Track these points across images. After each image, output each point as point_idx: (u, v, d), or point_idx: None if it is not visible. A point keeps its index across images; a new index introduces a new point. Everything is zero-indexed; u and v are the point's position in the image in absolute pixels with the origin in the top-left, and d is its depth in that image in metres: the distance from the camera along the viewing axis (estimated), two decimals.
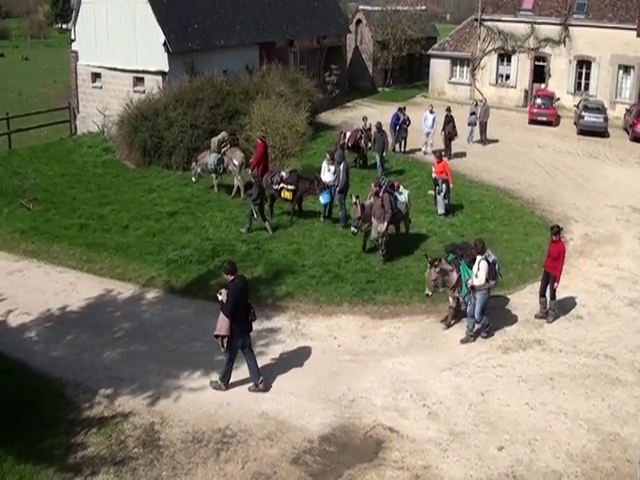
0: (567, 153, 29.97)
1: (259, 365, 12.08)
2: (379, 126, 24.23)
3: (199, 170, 22.28)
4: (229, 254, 17.28)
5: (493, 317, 14.73)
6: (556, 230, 14.59)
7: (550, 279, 14.63)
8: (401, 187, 17.96)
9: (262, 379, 11.91)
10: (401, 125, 27.13)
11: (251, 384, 11.99)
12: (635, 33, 35.88)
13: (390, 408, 11.59)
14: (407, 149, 28.18)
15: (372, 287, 15.84)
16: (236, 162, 21.83)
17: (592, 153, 30.12)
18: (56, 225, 19.31)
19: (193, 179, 22.61)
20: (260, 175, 19.87)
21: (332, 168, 20.00)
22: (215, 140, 22.12)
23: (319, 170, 20.54)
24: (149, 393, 11.81)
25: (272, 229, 18.92)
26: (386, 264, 16.99)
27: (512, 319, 14.80)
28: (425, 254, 14.90)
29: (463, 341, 13.72)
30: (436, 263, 13.42)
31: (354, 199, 17.09)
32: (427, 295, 13.78)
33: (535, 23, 39.06)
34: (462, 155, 28.33)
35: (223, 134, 22.43)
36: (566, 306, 15.49)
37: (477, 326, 13.85)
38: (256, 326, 14.05)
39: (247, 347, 11.87)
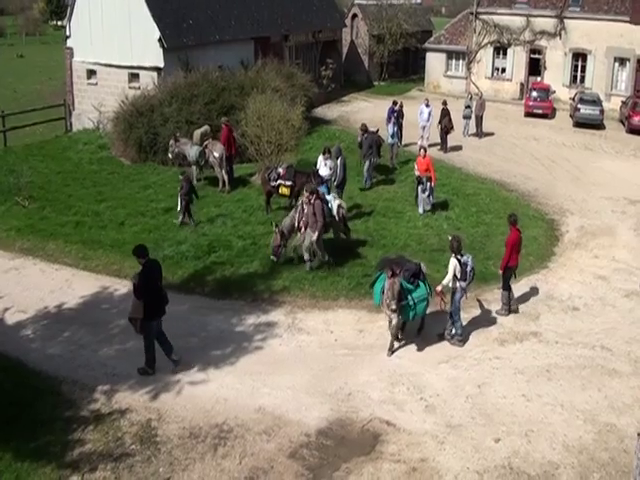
0: (563, 145, 29.98)
1: (258, 360, 12.09)
2: (364, 128, 23.10)
3: (176, 150, 22.72)
4: (225, 250, 17.30)
5: (489, 310, 14.79)
6: (513, 219, 14.65)
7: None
8: (329, 196, 17.35)
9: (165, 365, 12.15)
10: (397, 118, 26.98)
11: (143, 366, 12.18)
12: (630, 25, 35.83)
13: (387, 401, 11.60)
14: (403, 143, 28.12)
15: (368, 281, 15.72)
16: (216, 154, 22.11)
17: (588, 145, 30.14)
18: (52, 222, 19.29)
19: (169, 156, 23.12)
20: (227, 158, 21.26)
21: (328, 162, 19.99)
22: (198, 133, 22.53)
23: (315, 164, 20.53)
24: (146, 389, 11.82)
25: (195, 224, 18.96)
26: (318, 271, 16.27)
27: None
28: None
29: (439, 335, 13.54)
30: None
31: (274, 227, 16.46)
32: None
33: (530, 16, 39.01)
34: (458, 148, 28.34)
35: (206, 127, 22.84)
36: (562, 298, 15.52)
37: (453, 330, 13.53)
38: (252, 321, 14.21)
39: (159, 331, 12.10)
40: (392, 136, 25.10)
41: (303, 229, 16.12)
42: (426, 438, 10.70)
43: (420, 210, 20.33)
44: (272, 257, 16.51)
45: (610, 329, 14.17)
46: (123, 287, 15.68)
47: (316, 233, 15.82)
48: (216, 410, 11.31)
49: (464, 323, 13.73)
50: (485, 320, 14.43)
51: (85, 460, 10.13)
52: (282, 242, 16.45)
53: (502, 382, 12.19)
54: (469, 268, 13.28)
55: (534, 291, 15.82)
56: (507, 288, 14.64)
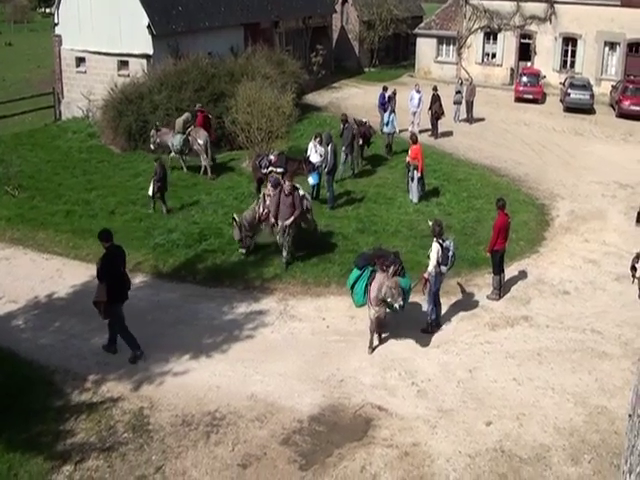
0: (553, 130, 30.01)
1: (250, 348, 12.08)
2: (344, 118, 22.38)
3: (158, 140, 22.80)
4: (216, 237, 17.26)
5: (480, 295, 14.82)
6: (501, 204, 14.66)
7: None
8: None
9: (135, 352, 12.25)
10: (389, 104, 26.65)
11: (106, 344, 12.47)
12: (620, 9, 35.79)
13: (379, 387, 11.64)
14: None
15: None
16: (200, 142, 22.16)
17: (578, 130, 30.16)
18: (42, 212, 19.20)
19: (152, 147, 23.07)
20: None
21: (319, 149, 19.96)
22: (180, 121, 22.44)
23: (306, 151, 20.49)
24: (137, 377, 11.81)
25: (167, 211, 18.99)
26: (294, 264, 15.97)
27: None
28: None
29: (423, 330, 13.35)
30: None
31: (234, 218, 16.25)
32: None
33: (521, 1, 38.93)
34: (449, 134, 28.32)
35: (187, 115, 22.75)
36: (553, 282, 15.58)
37: (434, 315, 13.37)
38: (244, 308, 14.20)
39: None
40: (387, 124, 24.66)
41: (273, 221, 15.78)
42: (418, 423, 10.74)
43: (410, 197, 20.26)
44: (240, 250, 16.38)
45: (601, 312, 14.24)
46: None
47: (290, 219, 15.55)
48: (208, 398, 11.31)
49: (454, 308, 13.78)
50: (476, 305, 14.46)
51: (77, 449, 10.12)
52: (245, 234, 16.24)
53: (493, 366, 12.24)
54: (450, 253, 13.24)
55: (525, 275, 15.87)
56: (498, 272, 14.69)
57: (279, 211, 15.61)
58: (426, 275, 13.09)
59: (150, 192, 18.90)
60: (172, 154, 22.67)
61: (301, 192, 16.35)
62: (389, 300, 11.99)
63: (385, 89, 27.02)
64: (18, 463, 9.81)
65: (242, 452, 10.13)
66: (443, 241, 13.19)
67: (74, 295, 14.73)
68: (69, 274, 15.72)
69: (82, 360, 12.31)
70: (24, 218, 18.66)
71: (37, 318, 13.62)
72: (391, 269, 12.15)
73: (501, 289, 14.76)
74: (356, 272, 12.68)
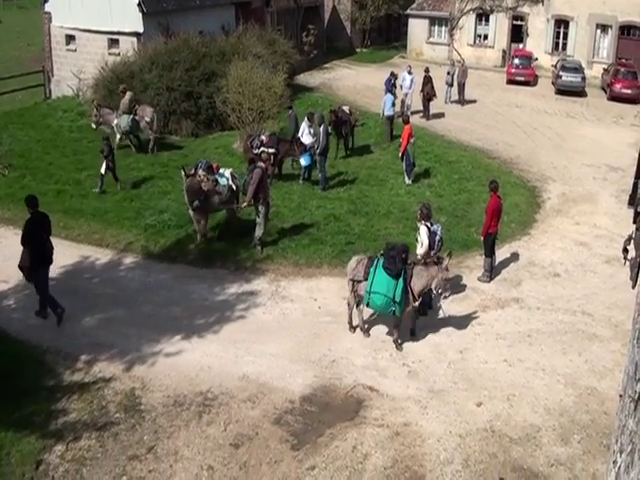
0: (545, 113, 30.01)
1: (242, 328, 12.09)
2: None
3: (101, 120, 22.78)
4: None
5: (471, 277, 14.87)
6: (494, 186, 14.69)
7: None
8: (222, 169, 16.37)
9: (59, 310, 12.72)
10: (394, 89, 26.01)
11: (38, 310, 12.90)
12: None
13: (370, 368, 11.69)
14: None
15: (352, 249, 15.82)
16: (147, 119, 22.30)
17: (570, 113, 30.18)
18: (32, 191, 18.64)
19: (93, 126, 23.03)
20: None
21: (312, 130, 19.88)
22: (125, 101, 22.29)
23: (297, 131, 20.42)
24: (129, 358, 11.81)
25: (121, 186, 19.17)
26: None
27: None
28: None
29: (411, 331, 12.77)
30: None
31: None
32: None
33: None
34: (440, 116, 28.27)
35: (131, 93, 22.67)
36: (543, 264, 15.64)
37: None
38: (236, 289, 14.21)
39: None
40: (390, 109, 24.18)
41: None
42: (409, 403, 10.81)
43: (407, 181, 20.22)
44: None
45: (591, 295, 14.33)
46: (104, 256, 15.63)
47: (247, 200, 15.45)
48: (200, 378, 11.34)
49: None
50: (467, 287, 14.51)
51: (70, 429, 10.15)
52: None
53: (484, 348, 12.32)
54: (437, 237, 13.17)
55: (516, 257, 15.93)
56: (489, 255, 14.73)
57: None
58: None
59: (102, 170, 18.91)
60: (118, 136, 22.53)
61: (224, 180, 16.08)
62: (440, 291, 12.02)
63: (392, 74, 26.37)
64: (10, 442, 9.82)
65: (234, 432, 10.17)
66: (431, 224, 13.18)
67: (65, 275, 14.68)
68: (60, 254, 15.43)
69: (73, 340, 12.29)
70: (14, 197, 18.50)
71: (28, 298, 13.54)
72: (445, 261, 11.96)
73: (492, 271, 14.81)
74: (388, 279, 11.80)
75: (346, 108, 22.99)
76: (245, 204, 15.62)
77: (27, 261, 12.31)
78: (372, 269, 11.98)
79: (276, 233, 16.51)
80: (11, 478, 9.30)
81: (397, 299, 11.76)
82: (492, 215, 14.44)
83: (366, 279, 12.03)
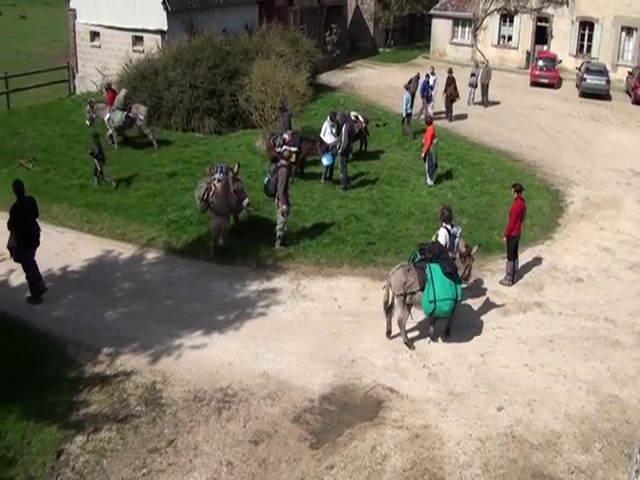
0: (569, 116, 29.78)
1: (262, 326, 12.10)
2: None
3: (94, 116, 22.75)
4: None
5: (493, 280, 14.79)
6: (518, 188, 14.61)
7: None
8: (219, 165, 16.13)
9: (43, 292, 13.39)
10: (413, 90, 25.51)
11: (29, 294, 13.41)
12: None
13: (390, 369, 11.66)
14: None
15: (372, 249, 15.84)
16: (142, 117, 22.44)
17: (594, 116, 29.92)
18: (56, 185, 19.22)
19: (87, 122, 22.98)
20: None
21: (334, 129, 19.87)
22: (120, 97, 22.36)
23: (319, 131, 20.42)
24: (150, 352, 11.88)
25: (116, 186, 19.16)
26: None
27: None
28: None
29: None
30: None
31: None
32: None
33: None
34: (463, 117, 28.15)
35: (125, 90, 22.87)
36: (566, 269, 15.53)
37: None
38: (256, 287, 14.24)
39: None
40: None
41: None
42: (429, 405, 10.77)
43: (428, 181, 20.17)
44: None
45: (614, 301, 14.19)
46: (127, 251, 15.71)
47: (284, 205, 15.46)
48: (220, 374, 11.37)
49: (467, 293, 13.72)
50: (489, 290, 14.43)
51: (90, 420, 10.23)
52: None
53: (505, 352, 12.24)
54: (457, 240, 13.10)
55: (538, 262, 15.82)
56: (512, 258, 14.64)
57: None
58: None
59: (99, 168, 19.07)
60: (109, 131, 22.62)
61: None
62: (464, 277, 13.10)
63: (427, 76, 26.20)
64: (31, 432, 9.92)
65: (253, 429, 10.19)
66: (452, 226, 13.14)
67: (88, 269, 14.80)
68: (83, 248, 15.77)
69: (95, 333, 12.38)
70: (38, 191, 18.51)
71: (51, 290, 13.65)
72: (474, 249, 13.05)
73: (514, 275, 14.72)
74: (449, 283, 11.78)
75: (353, 114, 22.13)
76: (285, 207, 15.43)
77: (14, 242, 13.00)
78: (429, 277, 11.77)
79: (297, 232, 16.52)
80: (32, 467, 9.39)
81: (459, 298, 12.00)
82: (516, 218, 14.36)
83: (422, 289, 11.87)
